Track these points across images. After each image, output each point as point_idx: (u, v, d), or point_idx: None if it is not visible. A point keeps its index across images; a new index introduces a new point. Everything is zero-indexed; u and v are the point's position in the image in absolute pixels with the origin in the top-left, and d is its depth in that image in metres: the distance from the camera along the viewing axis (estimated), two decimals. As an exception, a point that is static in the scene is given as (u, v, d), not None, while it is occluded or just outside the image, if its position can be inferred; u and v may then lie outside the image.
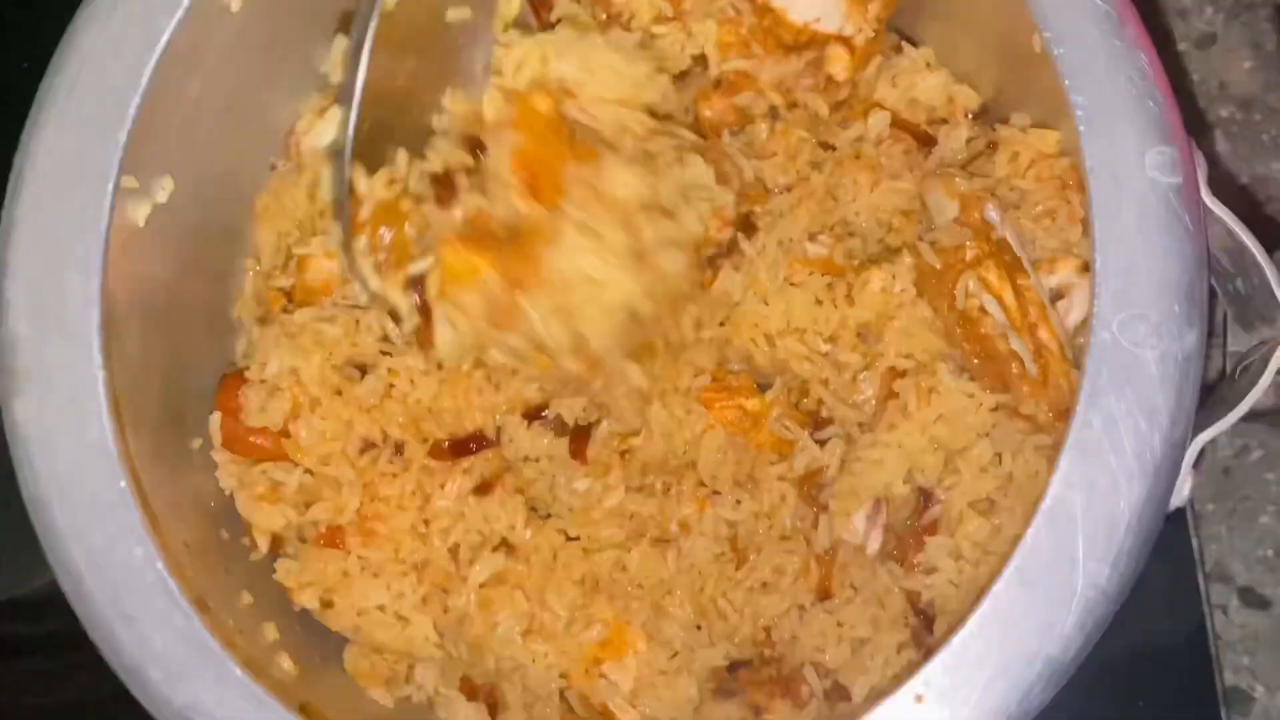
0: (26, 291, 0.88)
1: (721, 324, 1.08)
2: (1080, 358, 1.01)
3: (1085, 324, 1.02)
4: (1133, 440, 0.85)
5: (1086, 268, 1.02)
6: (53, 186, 0.89)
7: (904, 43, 1.16)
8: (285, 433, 1.03)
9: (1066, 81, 0.88)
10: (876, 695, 0.91)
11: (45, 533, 0.88)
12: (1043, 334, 1.01)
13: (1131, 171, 0.86)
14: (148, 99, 0.90)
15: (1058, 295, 1.04)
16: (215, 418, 1.05)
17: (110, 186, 0.88)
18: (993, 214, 1.04)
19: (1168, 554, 1.22)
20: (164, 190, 0.97)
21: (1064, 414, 0.99)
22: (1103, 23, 0.89)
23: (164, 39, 0.90)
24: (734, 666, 1.07)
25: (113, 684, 1.31)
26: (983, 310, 1.02)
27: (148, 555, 0.86)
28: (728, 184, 1.07)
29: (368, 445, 1.05)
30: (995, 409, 1.02)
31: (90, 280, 0.87)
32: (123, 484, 0.86)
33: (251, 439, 1.04)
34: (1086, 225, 1.02)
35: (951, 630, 0.86)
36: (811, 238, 1.09)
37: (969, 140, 1.12)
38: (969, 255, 1.02)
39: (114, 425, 0.87)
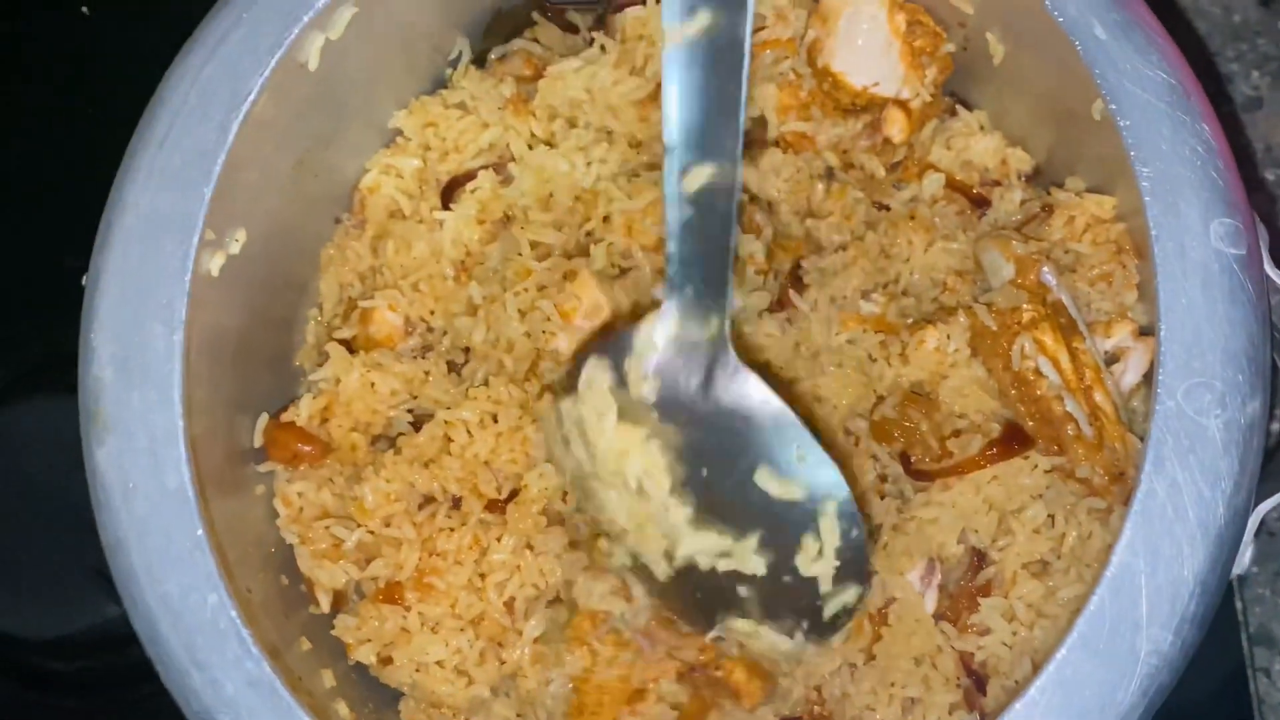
0: (112, 340, 0.90)
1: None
2: (1134, 421, 1.03)
3: (1138, 388, 1.04)
4: (1197, 507, 0.86)
5: (1141, 332, 1.04)
6: (139, 239, 0.91)
7: (958, 105, 1.18)
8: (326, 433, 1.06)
9: (1132, 153, 0.90)
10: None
11: (121, 577, 0.90)
12: (1098, 397, 1.02)
13: (1196, 242, 0.88)
14: (230, 156, 0.92)
15: (1112, 359, 1.05)
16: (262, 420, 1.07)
17: (195, 240, 0.91)
18: (1049, 276, 1.05)
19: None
20: (237, 242, 1.00)
21: (1119, 477, 1.01)
22: (1167, 95, 0.90)
23: (250, 99, 0.93)
24: (783, 720, 1.08)
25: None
26: (1038, 372, 1.03)
27: (221, 603, 0.87)
28: (757, 234, 1.09)
29: (426, 500, 1.06)
30: (1050, 471, 1.03)
31: (173, 331, 0.90)
32: (199, 532, 0.88)
33: (297, 444, 1.06)
34: (1143, 290, 1.04)
35: (1014, 694, 0.86)
36: (865, 295, 1.11)
37: (1023, 203, 1.14)
38: (1025, 317, 1.04)
39: (192, 473, 0.89)
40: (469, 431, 1.07)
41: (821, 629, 0.91)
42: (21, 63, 1.51)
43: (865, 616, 1.05)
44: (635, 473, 0.83)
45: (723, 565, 0.85)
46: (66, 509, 1.31)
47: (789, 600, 0.87)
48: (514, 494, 1.08)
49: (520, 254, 1.08)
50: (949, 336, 1.06)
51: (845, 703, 1.05)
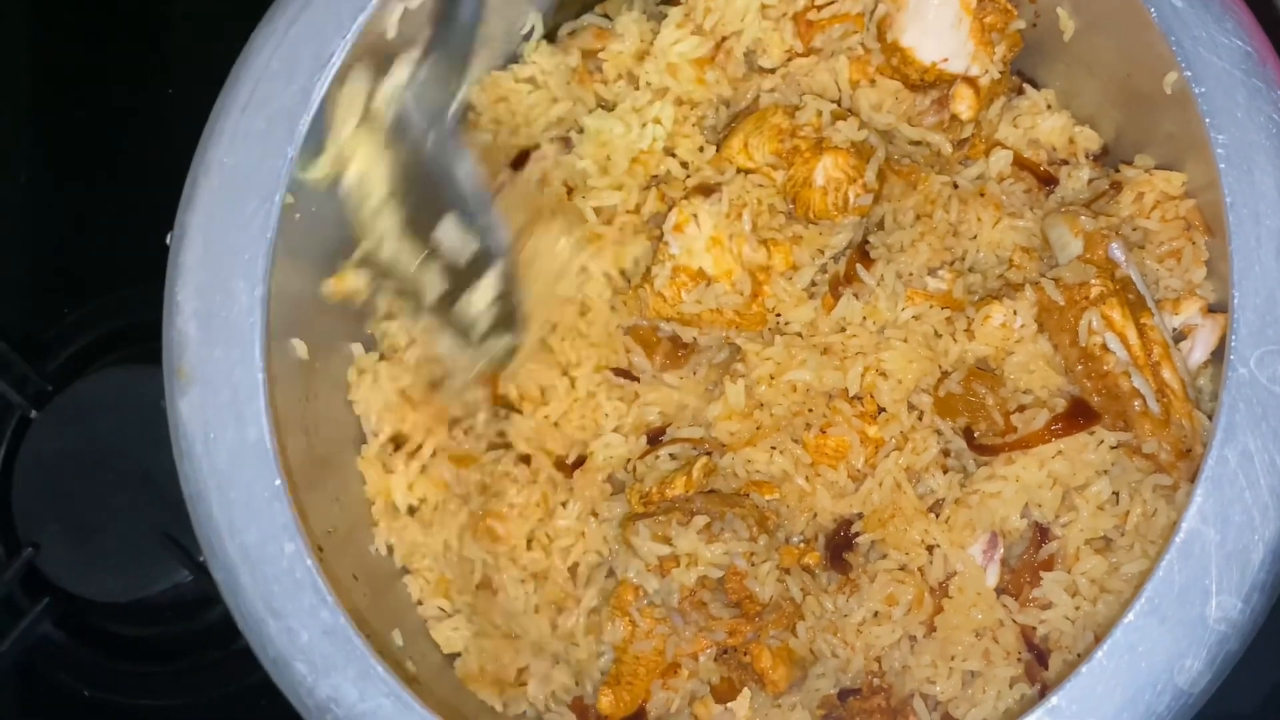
0: (196, 295, 0.93)
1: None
2: (1200, 399, 1.02)
3: (1205, 366, 1.04)
4: (1268, 476, 0.86)
5: (1210, 309, 1.04)
6: (224, 198, 0.94)
7: (1025, 84, 1.18)
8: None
9: (1207, 120, 0.90)
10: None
11: (202, 527, 0.92)
12: (1166, 374, 1.02)
13: (1271, 209, 0.88)
14: (313, 120, 0.95)
15: (1180, 336, 1.05)
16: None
17: (278, 199, 0.93)
18: (1117, 252, 1.05)
19: None
20: (313, 201, 1.02)
21: (1185, 454, 1.00)
22: (1243, 62, 0.90)
23: (333, 62, 0.95)
24: (844, 694, 1.08)
25: (224, 689, 1.36)
26: (1105, 348, 1.03)
27: (298, 552, 0.89)
28: (868, 156, 1.10)
29: (494, 445, 1.08)
30: (1115, 447, 1.03)
31: (255, 287, 0.92)
32: (277, 482, 0.90)
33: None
34: (1212, 266, 1.04)
35: (1081, 658, 0.86)
36: (931, 272, 1.11)
37: (1090, 181, 1.14)
38: (1093, 292, 1.04)
39: (271, 425, 0.91)
40: (541, 391, 1.09)
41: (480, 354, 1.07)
42: (105, 42, 1.55)
43: (927, 589, 1.06)
44: (359, 169, 0.97)
45: (410, 273, 1.01)
46: (139, 476, 1.35)
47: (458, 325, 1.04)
48: (580, 460, 1.10)
49: (586, 221, 1.09)
50: (1015, 312, 1.06)
51: (905, 675, 1.05)
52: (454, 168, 1.00)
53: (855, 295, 1.10)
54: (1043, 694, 0.99)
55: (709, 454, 1.09)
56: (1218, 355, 1.02)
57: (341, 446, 1.10)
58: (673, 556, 1.03)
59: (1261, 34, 0.92)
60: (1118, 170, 1.12)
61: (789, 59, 1.15)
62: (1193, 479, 0.93)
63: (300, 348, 1.03)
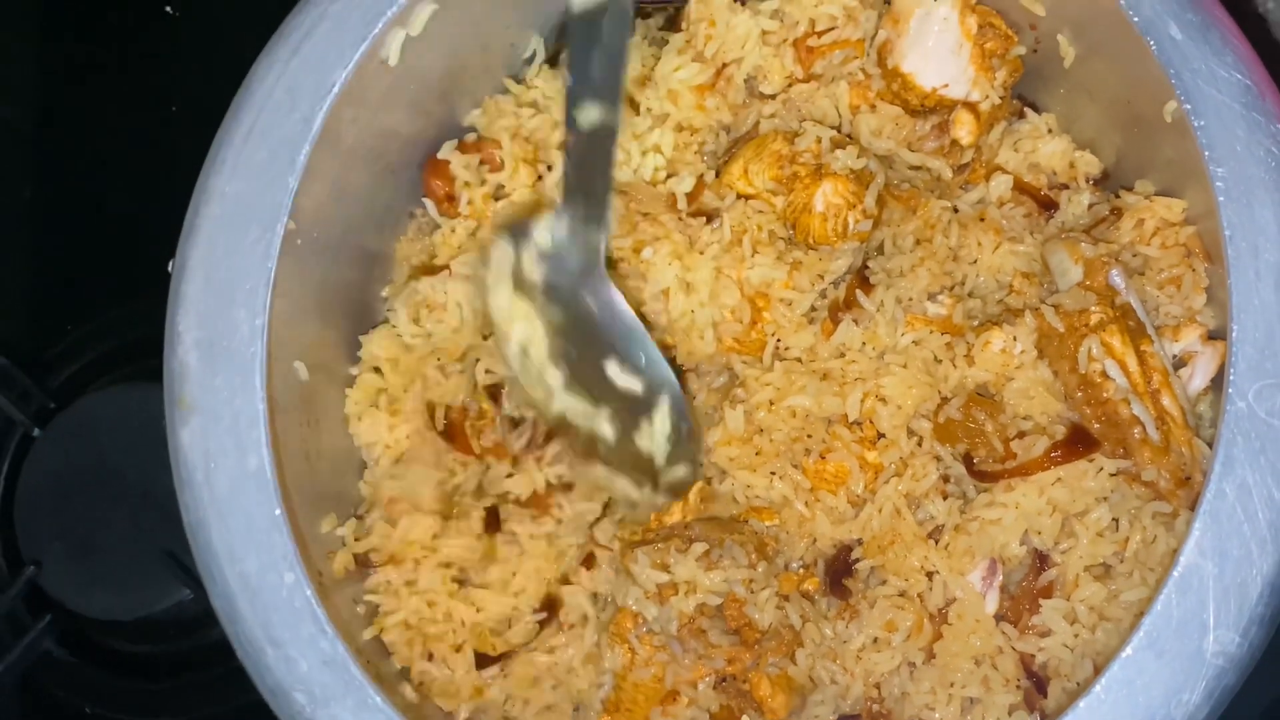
0: (197, 325, 0.93)
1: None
2: (1200, 426, 1.02)
3: (1205, 393, 1.04)
4: (1266, 510, 0.86)
5: (1210, 336, 1.04)
6: (225, 227, 0.94)
7: (1027, 108, 1.18)
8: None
9: (1206, 153, 0.90)
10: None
11: (202, 555, 0.92)
12: (1165, 401, 1.02)
13: (1270, 243, 0.88)
14: (315, 149, 0.95)
15: (1180, 363, 1.05)
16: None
17: (279, 228, 0.93)
18: (1117, 279, 1.05)
19: None
20: (318, 228, 1.02)
21: (1184, 481, 1.00)
22: (1242, 96, 0.90)
23: (334, 91, 0.95)
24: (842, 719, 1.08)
25: (225, 706, 1.37)
26: (1105, 375, 1.03)
27: (298, 581, 0.90)
28: (868, 182, 1.10)
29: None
30: (1115, 474, 1.03)
31: (256, 316, 0.92)
32: (277, 512, 0.90)
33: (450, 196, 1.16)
34: (1211, 294, 1.04)
35: (1081, 688, 0.86)
36: (931, 297, 1.11)
37: (1091, 206, 1.14)
38: (1093, 319, 1.04)
39: (272, 455, 0.91)
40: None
41: (661, 492, 1.08)
42: (108, 61, 1.55)
43: (926, 616, 1.06)
44: (520, 337, 1.01)
45: (585, 425, 1.04)
46: (141, 494, 1.36)
47: (636, 463, 1.05)
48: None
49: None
50: (1015, 338, 1.07)
51: (904, 701, 1.05)
52: (607, 306, 1.02)
53: (855, 321, 1.10)
54: (1042, 720, 1.00)
55: (708, 480, 1.09)
56: (1217, 382, 1.02)
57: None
58: (671, 584, 1.03)
59: (1261, 68, 0.92)
60: (1118, 195, 1.12)
61: (789, 85, 1.15)
62: (1192, 506, 0.93)
63: (301, 370, 1.03)
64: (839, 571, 1.08)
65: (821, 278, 1.11)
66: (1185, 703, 0.85)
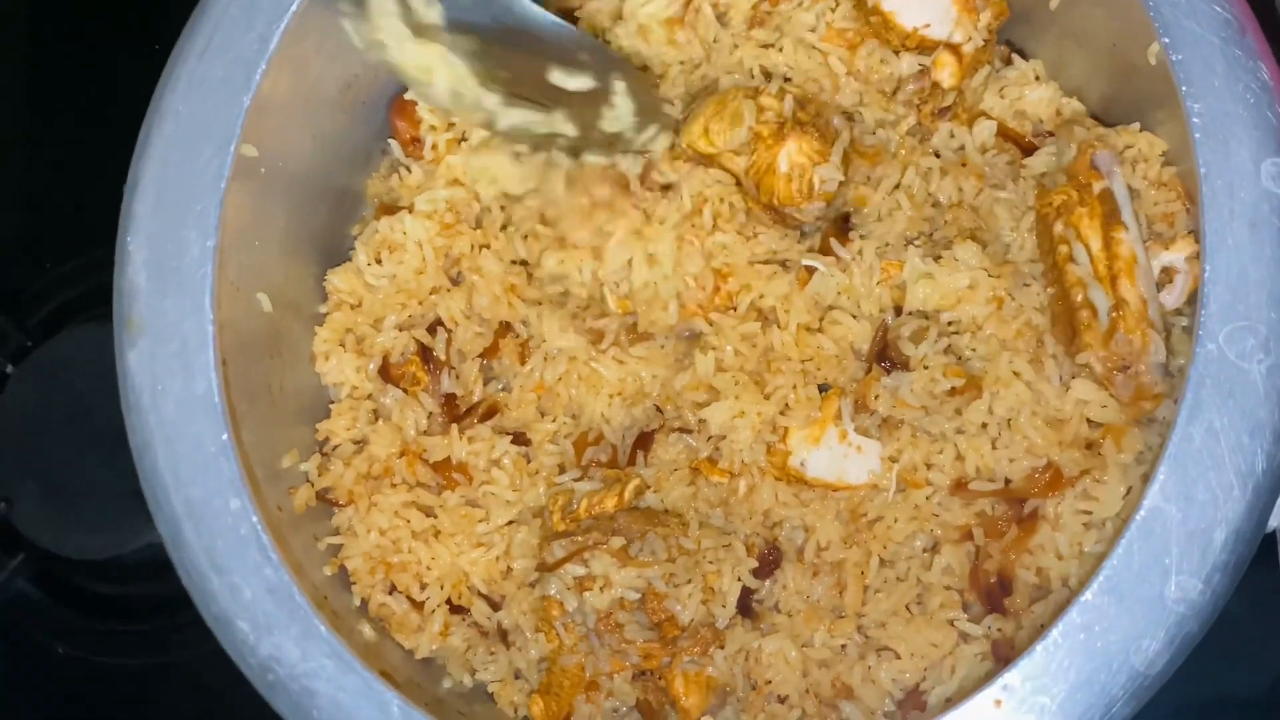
0: (147, 245, 0.92)
1: (819, 329, 1.08)
2: (1176, 341, 1.00)
3: (1180, 312, 1.01)
4: (1234, 455, 0.83)
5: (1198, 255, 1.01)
6: (178, 146, 0.92)
7: (1013, 55, 1.16)
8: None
9: (1183, 88, 0.87)
10: (952, 705, 0.91)
11: (147, 479, 0.91)
12: (1124, 287, 0.99)
13: (1246, 181, 0.85)
14: (272, 68, 0.93)
15: (1166, 278, 1.02)
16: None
17: (232, 149, 0.92)
18: (1103, 161, 1.02)
19: (1252, 593, 1.19)
20: (283, 157, 1.00)
21: (1122, 369, 0.98)
22: (1222, 30, 0.88)
23: (291, 9, 0.93)
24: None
25: (199, 649, 1.36)
26: (1070, 259, 1.01)
27: (244, 508, 0.88)
28: (832, 140, 1.08)
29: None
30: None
31: (207, 237, 0.91)
32: (225, 436, 0.89)
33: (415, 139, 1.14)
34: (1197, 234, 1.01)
35: (1034, 636, 0.84)
36: (909, 243, 1.09)
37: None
38: (1056, 200, 1.02)
39: (220, 379, 0.90)
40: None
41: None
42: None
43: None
44: (444, 84, 0.94)
45: (544, 130, 1.00)
46: (114, 433, 1.34)
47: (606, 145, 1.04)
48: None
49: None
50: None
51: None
52: (523, 20, 0.97)
53: (829, 272, 1.08)
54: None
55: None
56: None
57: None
58: (589, 577, 1.02)
59: (1244, 3, 0.89)
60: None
61: (757, 16, 1.13)
62: (1139, 418, 0.93)
63: (265, 302, 1.02)
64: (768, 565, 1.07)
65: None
66: (1145, 649, 0.83)
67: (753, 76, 1.13)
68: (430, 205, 1.08)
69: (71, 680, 1.36)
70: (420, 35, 0.92)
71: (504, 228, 1.11)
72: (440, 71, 0.93)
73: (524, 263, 1.12)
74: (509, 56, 0.96)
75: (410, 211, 1.10)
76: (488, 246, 1.11)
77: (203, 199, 0.92)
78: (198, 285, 0.91)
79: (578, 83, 0.99)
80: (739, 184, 1.09)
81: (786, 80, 1.12)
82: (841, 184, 1.08)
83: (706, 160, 1.09)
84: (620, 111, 1.02)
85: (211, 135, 0.92)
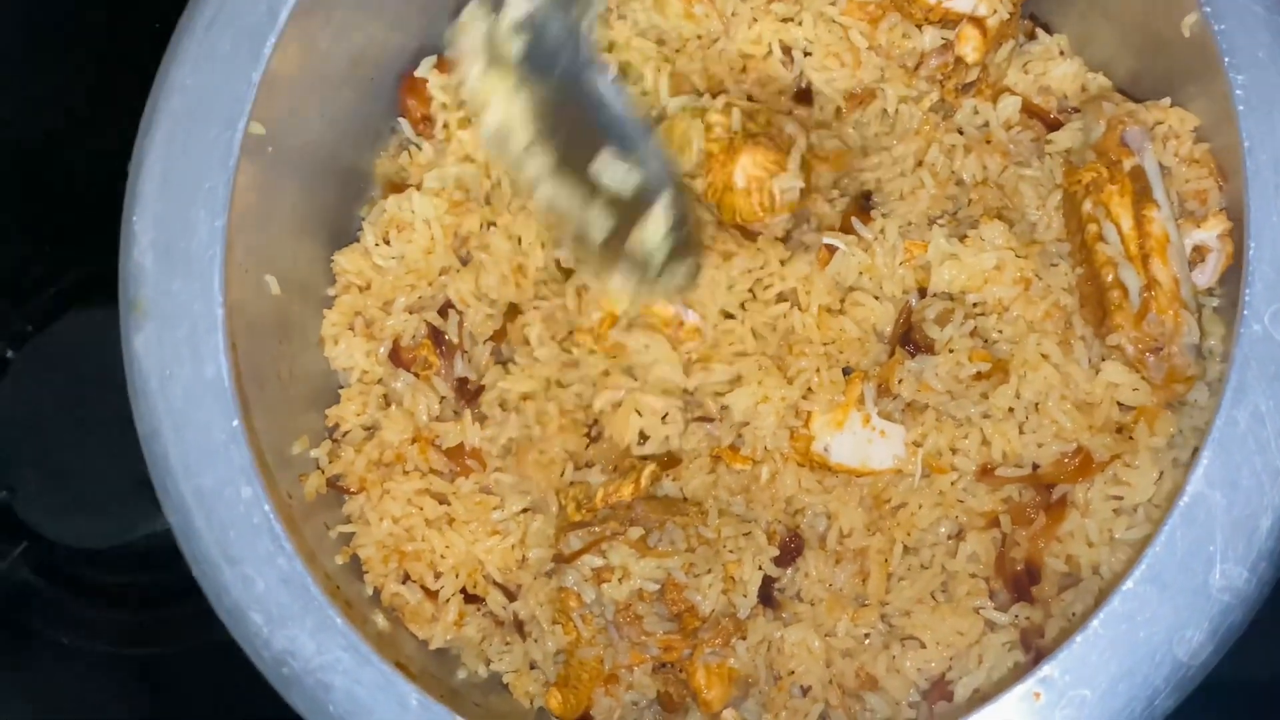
0: (154, 225, 0.89)
1: (841, 310, 1.05)
2: (1207, 321, 0.98)
3: (1212, 291, 0.99)
4: (1280, 439, 0.81)
5: (1232, 232, 0.98)
6: (185, 123, 0.89)
7: (1038, 29, 1.13)
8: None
9: (1226, 59, 0.84)
10: (983, 696, 0.88)
11: (156, 468, 0.88)
12: (1155, 266, 0.97)
13: (1293, 156, 0.82)
14: (282, 41, 0.90)
15: (1198, 256, 1.00)
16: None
17: (241, 125, 0.89)
18: (1133, 138, 1.00)
19: None
20: (291, 135, 0.97)
21: (1155, 350, 0.96)
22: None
23: (302, -21, 0.90)
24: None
25: (206, 638, 1.34)
26: (1100, 237, 0.99)
27: (256, 496, 0.86)
28: (786, 148, 1.05)
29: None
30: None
31: (216, 217, 0.88)
32: (236, 423, 0.86)
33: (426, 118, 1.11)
34: (1235, 210, 0.98)
35: (1064, 625, 0.82)
36: (932, 222, 1.07)
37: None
38: (1086, 178, 1.00)
39: (230, 364, 0.87)
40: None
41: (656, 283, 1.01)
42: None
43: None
44: (495, 119, 0.91)
45: (574, 216, 0.95)
46: (116, 421, 1.31)
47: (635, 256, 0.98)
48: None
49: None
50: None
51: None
52: (599, 93, 0.93)
53: (850, 252, 1.05)
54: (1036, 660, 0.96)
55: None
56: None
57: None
58: (608, 567, 1.00)
59: (1288, -30, 0.87)
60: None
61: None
62: (1170, 401, 0.90)
63: (273, 284, 0.99)
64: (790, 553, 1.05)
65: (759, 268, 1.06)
66: (1188, 640, 0.81)
67: (769, 51, 1.10)
68: (439, 182, 1.05)
69: (75, 670, 1.35)
70: (494, 64, 0.90)
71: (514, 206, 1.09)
72: (497, 105, 0.91)
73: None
74: (571, 120, 0.92)
75: (419, 189, 1.07)
76: (495, 224, 1.09)
77: (211, 177, 0.89)
78: (206, 267, 0.88)
79: (621, 173, 0.93)
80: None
81: (726, 93, 1.09)
82: (804, 193, 1.05)
83: None
84: (650, 229, 0.96)
85: (219, 111, 0.89)
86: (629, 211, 0.95)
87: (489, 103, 0.91)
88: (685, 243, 0.98)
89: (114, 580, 1.38)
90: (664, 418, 1.04)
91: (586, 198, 0.94)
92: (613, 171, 0.93)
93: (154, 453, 0.88)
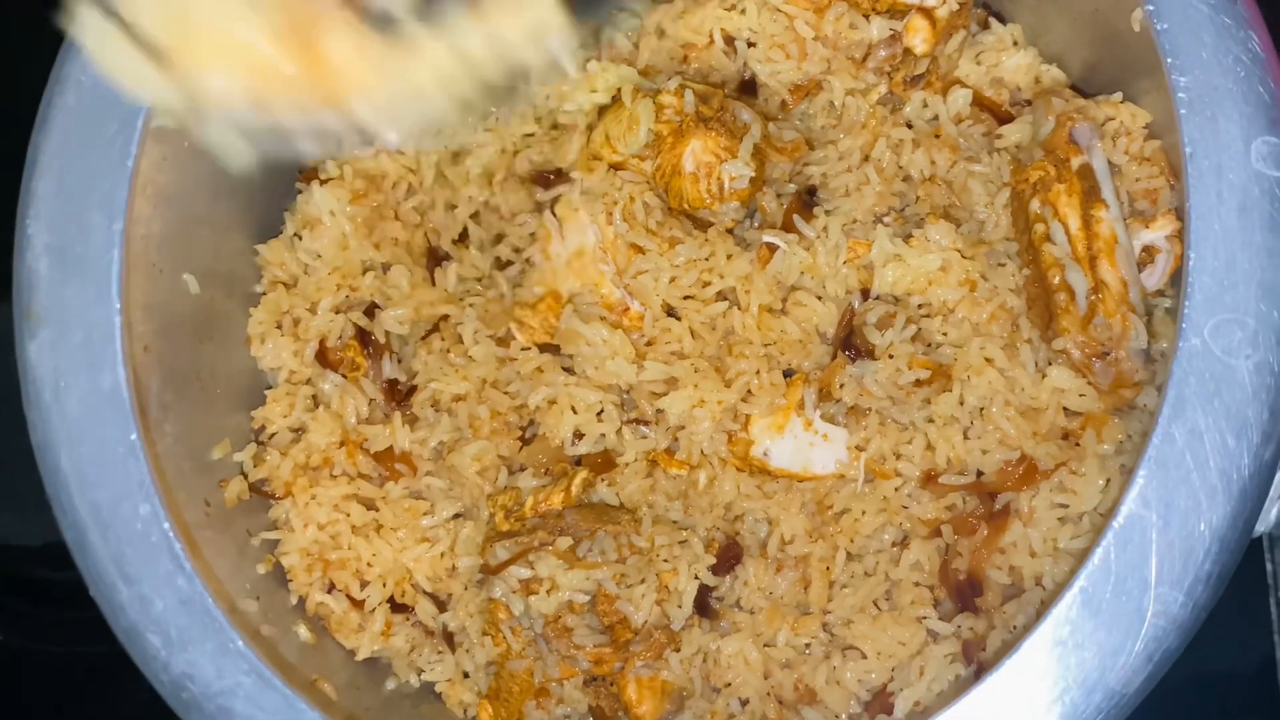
0: (48, 229, 0.85)
1: (782, 310, 1.02)
2: (1158, 324, 0.95)
3: (1160, 294, 0.97)
4: (1218, 457, 0.78)
5: (1181, 234, 0.95)
6: (81, 121, 0.85)
7: (991, 19, 1.09)
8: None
9: (1169, 60, 0.81)
10: (923, 710, 0.86)
11: (50, 481, 0.85)
12: (1104, 268, 0.94)
13: (1235, 162, 0.79)
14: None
15: (1147, 257, 0.97)
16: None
17: (139, 123, 0.84)
18: (1082, 135, 0.97)
19: (1237, 577, 1.16)
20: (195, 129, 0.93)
21: (1101, 355, 0.93)
22: (1212, -1, 0.81)
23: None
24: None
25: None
26: (1047, 238, 0.96)
27: (154, 513, 0.82)
28: (738, 136, 1.01)
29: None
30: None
31: (114, 220, 0.84)
32: (134, 436, 0.83)
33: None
34: (1180, 213, 0.95)
35: (1005, 651, 0.79)
36: (877, 219, 1.04)
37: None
38: (1033, 176, 0.97)
39: (128, 373, 0.83)
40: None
41: None
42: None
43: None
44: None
45: None
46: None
47: None
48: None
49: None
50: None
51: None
52: None
53: (791, 250, 1.02)
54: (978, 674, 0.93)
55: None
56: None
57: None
58: (536, 579, 0.97)
59: (1235, -33, 0.83)
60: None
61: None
62: (1119, 407, 0.88)
63: (192, 283, 0.96)
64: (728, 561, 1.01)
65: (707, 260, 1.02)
66: (1122, 665, 0.78)
67: (711, 40, 1.07)
68: (335, 170, 1.01)
69: (19, 670, 1.33)
70: None
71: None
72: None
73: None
74: None
75: (319, 180, 1.03)
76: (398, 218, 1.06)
77: (109, 178, 0.85)
78: (104, 272, 0.84)
79: None
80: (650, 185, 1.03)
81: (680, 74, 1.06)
82: (756, 184, 1.02)
83: (619, 168, 1.03)
84: None
85: (117, 107, 0.85)
86: None
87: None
88: None
89: (52, 577, 1.34)
90: (599, 414, 1.00)
91: None
92: None
93: (48, 465, 0.85)
